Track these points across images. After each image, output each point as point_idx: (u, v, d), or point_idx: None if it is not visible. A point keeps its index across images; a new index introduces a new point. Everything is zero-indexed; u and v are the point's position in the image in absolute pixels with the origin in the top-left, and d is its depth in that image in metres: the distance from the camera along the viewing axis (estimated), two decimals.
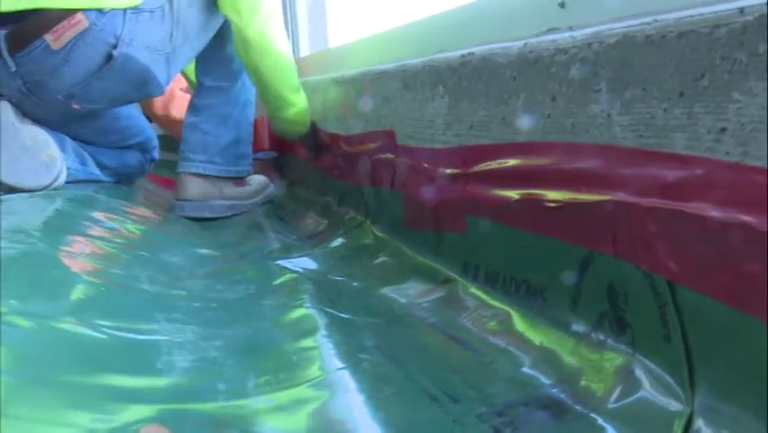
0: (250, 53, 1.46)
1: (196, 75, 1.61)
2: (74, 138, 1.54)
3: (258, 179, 1.73)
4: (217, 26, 1.52)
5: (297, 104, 1.55)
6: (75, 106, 1.43)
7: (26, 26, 1.33)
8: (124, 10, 1.34)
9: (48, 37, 1.32)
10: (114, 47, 1.35)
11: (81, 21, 1.31)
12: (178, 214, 1.57)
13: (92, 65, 1.36)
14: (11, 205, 1.17)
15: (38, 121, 1.45)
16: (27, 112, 1.43)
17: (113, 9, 1.33)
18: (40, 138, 1.41)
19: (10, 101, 1.41)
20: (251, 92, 1.63)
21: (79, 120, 1.51)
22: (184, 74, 1.90)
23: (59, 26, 1.32)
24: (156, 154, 1.77)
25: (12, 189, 1.35)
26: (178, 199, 1.59)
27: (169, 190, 1.82)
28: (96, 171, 1.60)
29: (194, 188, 1.57)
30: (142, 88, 1.46)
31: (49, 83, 1.37)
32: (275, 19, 1.49)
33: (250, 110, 1.63)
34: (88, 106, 1.46)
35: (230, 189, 1.61)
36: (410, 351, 0.79)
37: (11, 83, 1.38)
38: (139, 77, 1.42)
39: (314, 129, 1.63)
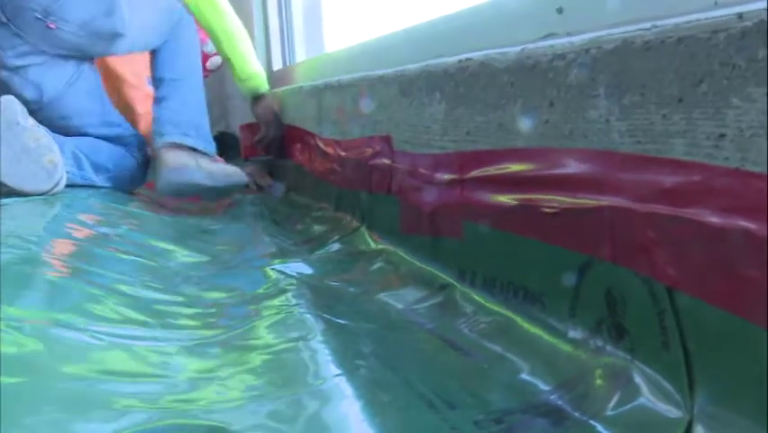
0: (222, 20, 1.78)
1: (154, 74, 1.74)
2: (74, 141, 1.60)
3: (233, 167, 1.83)
4: (168, 27, 1.71)
5: (252, 58, 1.86)
6: (51, 26, 1.52)
7: None
8: None
9: None
10: None
11: None
12: (163, 187, 1.62)
13: None
14: (8, 210, 1.17)
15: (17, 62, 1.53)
16: (7, 45, 1.52)
17: None
18: (43, 142, 1.43)
19: None
20: (203, 90, 1.79)
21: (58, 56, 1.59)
22: None
23: None
24: (149, 151, 1.81)
25: (10, 191, 1.35)
26: (159, 175, 1.65)
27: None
28: (92, 176, 1.62)
29: (172, 157, 1.63)
30: (108, 17, 1.57)
31: (27, 2, 1.47)
32: None
33: (204, 104, 1.77)
34: (63, 27, 1.54)
35: (206, 163, 1.68)
36: (407, 357, 0.78)
37: None
38: (107, 1, 1.55)
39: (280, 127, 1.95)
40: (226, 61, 1.93)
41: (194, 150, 1.66)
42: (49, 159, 1.42)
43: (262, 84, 1.96)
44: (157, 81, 1.74)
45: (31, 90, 1.58)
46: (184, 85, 1.72)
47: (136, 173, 1.78)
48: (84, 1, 1.55)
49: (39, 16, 1.50)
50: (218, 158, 1.83)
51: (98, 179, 1.64)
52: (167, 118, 1.66)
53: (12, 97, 1.45)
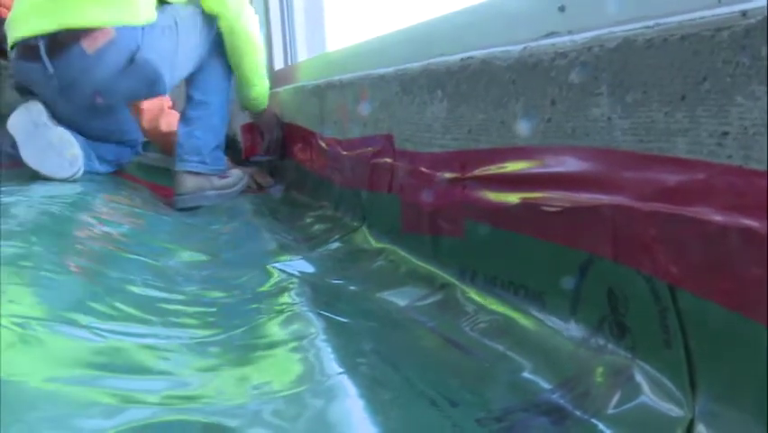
0: (235, 42, 1.86)
1: (187, 90, 1.93)
2: (86, 133, 1.83)
3: (235, 172, 2.02)
4: (208, 48, 1.86)
5: (258, 85, 1.97)
6: (99, 100, 1.74)
7: (64, 36, 1.63)
8: (143, 26, 1.68)
9: (84, 43, 1.64)
10: (136, 52, 1.68)
11: (111, 32, 1.65)
12: (180, 206, 1.84)
13: (117, 66, 1.68)
14: (11, 208, 1.17)
15: (62, 116, 1.75)
16: (57, 107, 1.74)
17: (135, 25, 1.67)
18: (65, 138, 1.72)
19: (44, 100, 1.73)
20: (229, 108, 1.99)
21: (95, 116, 1.82)
22: None
23: (93, 35, 1.64)
24: (140, 149, 2.13)
25: (41, 177, 1.67)
26: (178, 195, 1.86)
27: (161, 197, 1.94)
28: (96, 165, 1.88)
29: (190, 183, 1.87)
30: (152, 87, 1.78)
31: (80, 80, 1.68)
32: (253, 16, 1.88)
33: (226, 123, 1.99)
34: (109, 101, 1.78)
35: (217, 181, 1.94)
36: (408, 355, 0.78)
37: (48, 83, 1.68)
38: (151, 77, 1.74)
39: (281, 127, 2.06)
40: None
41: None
42: (71, 152, 1.71)
43: (262, 103, 2.02)
44: (189, 97, 1.92)
45: None
46: (210, 107, 1.91)
47: (130, 160, 2.10)
48: (130, 80, 1.72)
49: (89, 92, 1.70)
50: (225, 173, 1.98)
51: (101, 168, 1.91)
52: (190, 146, 1.88)
53: (36, 102, 1.71)
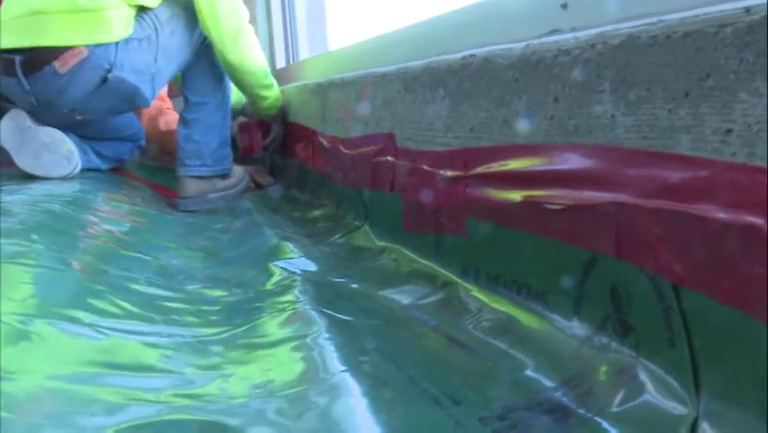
0: (231, 72, 1.83)
1: (182, 92, 1.90)
2: (78, 134, 1.81)
3: (237, 171, 1.99)
4: (195, 47, 1.80)
5: (269, 97, 1.95)
6: (77, 117, 1.73)
7: (38, 55, 1.61)
8: (117, 42, 1.64)
9: (56, 63, 1.61)
10: (109, 71, 1.65)
11: (82, 51, 1.61)
12: (182, 209, 1.84)
13: (90, 85, 1.65)
14: (10, 207, 1.17)
15: (49, 124, 1.73)
16: (41, 117, 1.72)
17: (109, 43, 1.63)
18: (57, 137, 1.71)
19: (26, 109, 1.71)
20: (229, 103, 1.94)
21: (81, 124, 1.80)
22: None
23: (65, 55, 1.61)
24: (143, 142, 2.09)
25: (40, 178, 1.68)
26: (181, 198, 1.86)
27: (163, 197, 1.95)
28: (95, 160, 1.88)
29: (193, 187, 1.87)
30: (132, 102, 1.77)
31: (56, 100, 1.66)
32: (250, 39, 1.80)
33: (228, 118, 1.95)
34: (88, 117, 1.76)
35: (219, 183, 1.92)
36: (411, 353, 0.78)
37: (25, 98, 1.67)
38: (128, 94, 1.71)
39: (285, 125, 2.06)
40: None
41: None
42: (66, 148, 1.71)
43: (274, 109, 2.00)
44: (185, 99, 1.89)
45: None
46: (207, 108, 1.87)
47: (131, 156, 2.08)
48: (107, 99, 1.69)
49: (66, 111, 1.69)
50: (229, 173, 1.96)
51: (101, 163, 1.91)
52: (190, 150, 1.85)
53: (18, 110, 1.70)
